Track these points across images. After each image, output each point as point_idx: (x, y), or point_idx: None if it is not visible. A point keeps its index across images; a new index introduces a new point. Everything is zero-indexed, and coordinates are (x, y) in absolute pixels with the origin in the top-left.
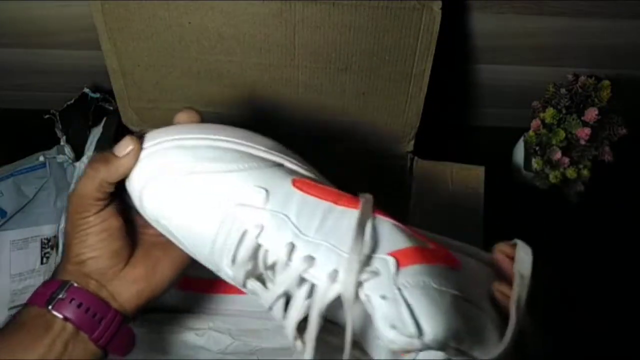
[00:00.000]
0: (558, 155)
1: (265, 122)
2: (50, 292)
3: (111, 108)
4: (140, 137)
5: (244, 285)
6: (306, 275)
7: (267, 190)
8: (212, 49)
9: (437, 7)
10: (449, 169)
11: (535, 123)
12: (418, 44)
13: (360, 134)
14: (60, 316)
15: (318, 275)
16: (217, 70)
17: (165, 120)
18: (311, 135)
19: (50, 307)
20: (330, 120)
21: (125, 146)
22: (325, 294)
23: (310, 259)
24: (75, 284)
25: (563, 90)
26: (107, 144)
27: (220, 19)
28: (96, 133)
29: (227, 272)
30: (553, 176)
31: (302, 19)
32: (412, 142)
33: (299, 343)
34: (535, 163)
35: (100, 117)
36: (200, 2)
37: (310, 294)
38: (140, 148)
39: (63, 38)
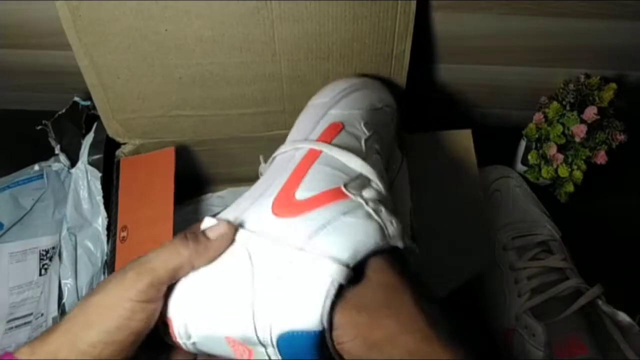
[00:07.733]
0: (553, 150)
1: (252, 118)
2: None
3: None
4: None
5: None
6: None
7: None
8: (192, 53)
9: None
10: (438, 135)
11: (538, 116)
12: (396, 26)
13: None
14: None
15: None
16: (199, 74)
17: (150, 129)
18: None
19: None
20: None
21: (219, 229)
22: None
23: None
24: None
25: (571, 86)
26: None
27: (197, 23)
28: (89, 139)
29: None
30: (545, 171)
31: (279, 14)
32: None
33: None
34: (531, 156)
35: (92, 125)
36: (175, 7)
37: None
38: (233, 234)
39: (63, 38)
